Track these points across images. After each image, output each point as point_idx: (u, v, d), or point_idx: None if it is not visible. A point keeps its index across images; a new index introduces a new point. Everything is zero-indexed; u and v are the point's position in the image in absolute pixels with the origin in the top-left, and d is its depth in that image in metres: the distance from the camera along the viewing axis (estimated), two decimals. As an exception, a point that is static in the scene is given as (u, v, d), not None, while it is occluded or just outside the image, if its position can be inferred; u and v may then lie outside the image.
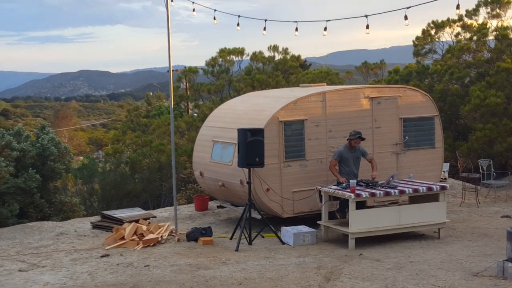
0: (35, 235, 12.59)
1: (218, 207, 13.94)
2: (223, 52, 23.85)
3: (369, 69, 30.74)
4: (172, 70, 12.04)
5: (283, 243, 11.06)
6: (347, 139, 11.75)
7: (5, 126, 58.58)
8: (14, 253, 10.88)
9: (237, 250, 10.54)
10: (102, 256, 10.30)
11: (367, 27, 11.83)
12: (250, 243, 11.05)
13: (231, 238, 11.49)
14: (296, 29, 13.04)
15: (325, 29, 12.52)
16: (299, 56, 25.83)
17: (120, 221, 12.45)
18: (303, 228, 11.22)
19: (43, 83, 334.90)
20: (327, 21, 12.28)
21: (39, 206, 15.49)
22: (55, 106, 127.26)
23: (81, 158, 39.32)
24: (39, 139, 15.98)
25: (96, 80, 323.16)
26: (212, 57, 23.95)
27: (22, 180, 14.73)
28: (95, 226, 13.01)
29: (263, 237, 11.55)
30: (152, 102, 58.30)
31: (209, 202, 14.91)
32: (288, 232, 11.11)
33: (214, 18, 13.22)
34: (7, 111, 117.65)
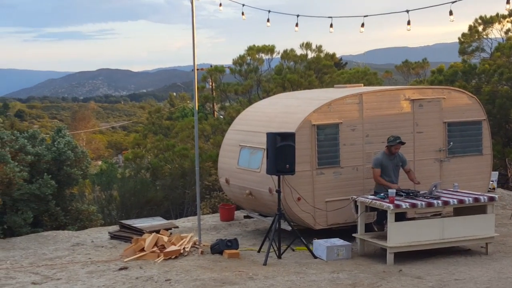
0: (50, 245, 12.74)
1: (245, 217, 13.94)
2: (252, 50, 23.88)
3: (410, 69, 30.51)
4: (197, 69, 12.09)
5: (315, 257, 11.01)
6: (386, 146, 11.65)
7: (19, 128, 59.56)
8: (28, 265, 11.01)
9: (265, 264, 10.51)
10: (121, 269, 10.36)
11: (408, 23, 11.73)
12: (279, 256, 11.02)
13: (259, 251, 11.47)
14: (331, 25, 12.99)
15: (363, 25, 12.46)
16: (333, 54, 25.75)
17: (139, 231, 12.52)
18: (337, 241, 11.14)
19: (60, 82, 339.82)
20: (364, 16, 12.23)
21: (54, 214, 15.66)
22: (73, 107, 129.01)
23: (99, 163, 39.76)
24: (55, 143, 16.17)
25: (116, 80, 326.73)
26: (239, 55, 24.01)
27: (37, 186, 14.91)
28: (113, 236, 13.11)
29: (293, 250, 11.51)
30: (175, 103, 58.75)
31: (235, 212, 14.92)
32: (320, 245, 11.05)
33: (243, 14, 13.25)
34: (22, 112, 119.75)
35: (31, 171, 15.32)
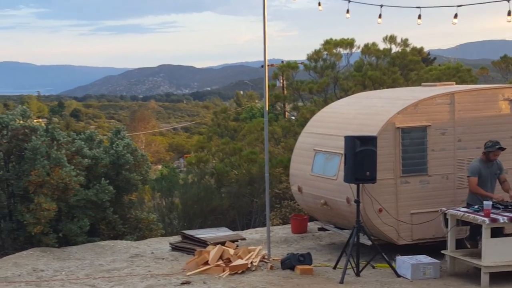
0: (107, 256, 13.06)
1: (319, 229, 13.91)
2: (329, 44, 23.81)
3: (510, 65, 29.72)
4: (268, 65, 12.17)
5: (398, 275, 10.90)
6: (483, 152, 11.41)
7: (75, 129, 61.25)
8: (83, 276, 11.32)
9: (341, 282, 10.48)
10: (183, 284, 10.52)
11: (509, 13, 11.48)
12: (357, 274, 10.96)
13: (334, 268, 11.44)
14: (419, 17, 12.84)
15: (456, 16, 12.25)
16: (421, 49, 25.39)
17: (203, 243, 12.67)
18: (424, 259, 11.00)
19: (118, 79, 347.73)
20: (458, 6, 12.02)
21: (112, 223, 16.04)
22: (132, 106, 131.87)
23: (159, 167, 40.41)
24: (113, 145, 16.56)
25: (178, 77, 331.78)
26: (315, 50, 23.95)
27: (94, 192, 15.32)
28: (174, 247, 13.33)
29: (373, 267, 11.43)
30: (243, 103, 59.17)
31: (309, 223, 14.91)
32: (404, 262, 10.93)
33: (319, 4, 13.25)
34: (78, 111, 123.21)
35: (88, 175, 15.75)
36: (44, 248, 13.85)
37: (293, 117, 25.66)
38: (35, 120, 15.91)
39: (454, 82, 16.01)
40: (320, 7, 13.24)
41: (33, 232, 14.24)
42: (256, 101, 54.30)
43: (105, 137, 18.95)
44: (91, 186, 15.55)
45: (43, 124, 15.89)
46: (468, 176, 11.45)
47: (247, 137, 23.91)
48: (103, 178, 15.62)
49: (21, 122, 15.15)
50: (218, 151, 24.03)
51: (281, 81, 27.89)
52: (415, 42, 24.93)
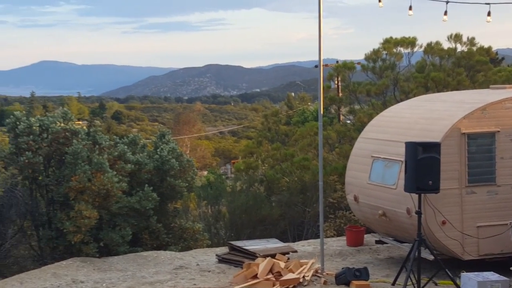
0: (150, 267, 13.19)
1: (376, 242, 13.83)
2: (388, 43, 23.62)
3: None
4: (322, 65, 12.16)
5: (463, 294, 10.76)
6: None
7: (116, 132, 61.98)
8: (126, 288, 11.46)
9: (401, 300, 10.39)
10: (230, 298, 10.55)
11: None
12: (418, 292, 10.87)
13: (393, 284, 11.36)
14: (489, 14, 12.70)
15: (527, 11, 12.06)
16: (489, 48, 25.01)
17: (252, 255, 12.71)
18: (491, 276, 10.82)
19: (163, 79, 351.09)
20: (530, 1, 11.82)
21: (156, 232, 16.20)
22: (176, 108, 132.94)
23: (205, 173, 40.62)
24: (158, 150, 16.73)
25: (226, 77, 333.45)
26: (373, 49, 23.79)
27: (137, 199, 15.50)
28: (221, 259, 13.38)
29: (436, 284, 11.32)
30: (294, 105, 59.12)
31: (365, 236, 14.83)
32: (470, 279, 10.78)
33: (380, 0, 13.17)
34: (120, 113, 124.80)
35: (131, 181, 15.95)
36: (84, 258, 14.06)
37: (348, 121, 25.54)
38: (76, 123, 16.17)
39: (526, 84, 15.75)
40: (380, 4, 13.17)
41: (73, 241, 14.49)
42: (309, 103, 54.22)
43: (148, 141, 19.13)
44: (134, 193, 15.74)
45: (84, 127, 16.14)
46: None
47: (300, 142, 23.88)
48: (146, 185, 15.79)
49: (62, 124, 15.43)
50: (268, 157, 24.04)
51: (336, 82, 27.80)
52: (482, 41, 24.55)
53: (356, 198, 13.33)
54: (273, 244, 13.59)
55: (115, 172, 15.09)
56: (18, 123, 15.29)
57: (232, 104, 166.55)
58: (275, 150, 23.95)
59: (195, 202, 22.23)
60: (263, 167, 23.84)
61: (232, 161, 59.17)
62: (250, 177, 22.92)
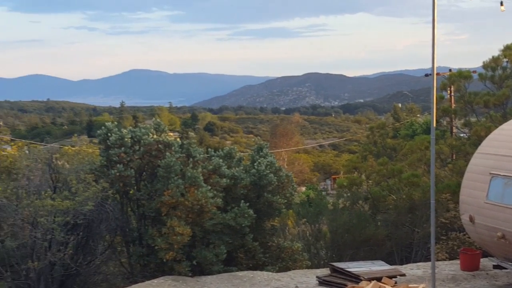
0: (246, 288, 13.28)
1: (494, 267, 13.54)
2: (509, 50, 23.09)
3: None
4: (435, 74, 11.99)
5: None
6: None
7: (209, 144, 62.70)
8: (220, 310, 11.57)
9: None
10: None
11: None
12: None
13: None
14: None
15: None
16: None
17: (356, 278, 12.62)
18: None
19: (259, 89, 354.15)
20: None
21: (252, 251, 16.30)
22: (273, 119, 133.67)
23: (303, 189, 40.63)
24: (255, 164, 16.84)
25: (326, 87, 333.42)
26: (492, 57, 23.25)
27: (232, 216, 15.64)
28: (322, 281, 13.35)
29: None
30: (401, 117, 58.54)
31: (481, 259, 14.52)
32: None
33: (502, 3, 12.88)
34: (213, 125, 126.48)
35: (226, 197, 16.12)
36: (176, 276, 14.28)
37: (463, 135, 25.04)
38: (168, 134, 16.45)
39: None
40: (502, 8, 12.87)
41: (164, 259, 14.74)
42: (418, 115, 53.58)
43: (243, 154, 19.30)
44: (229, 209, 15.89)
45: (178, 139, 16.40)
46: None
47: (408, 157, 23.59)
48: (242, 201, 15.92)
49: (155, 136, 15.74)
50: (373, 172, 23.86)
51: (449, 92, 27.34)
52: None
53: (471, 219, 13.07)
54: (379, 266, 13.47)
55: (209, 187, 15.28)
56: (109, 134, 15.70)
57: (333, 115, 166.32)
58: (381, 165, 23.72)
59: (294, 220, 22.26)
60: (368, 184, 23.69)
61: (333, 176, 58.90)
62: (353, 194, 22.80)
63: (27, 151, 17.18)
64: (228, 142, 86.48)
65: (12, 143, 17.53)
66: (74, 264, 14.95)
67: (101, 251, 16.05)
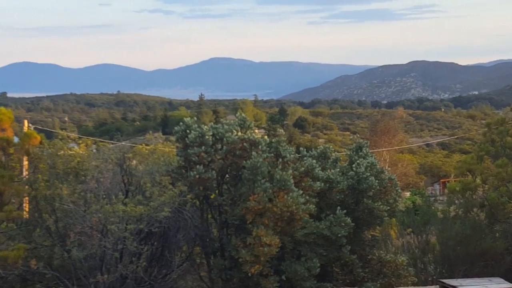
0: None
1: None
2: None
3: None
4: None
5: None
6: None
7: (300, 143, 62.57)
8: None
9: None
10: None
11: None
12: None
13: None
14: None
15: None
16: None
17: (471, 298, 12.44)
18: None
19: (356, 80, 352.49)
20: None
21: (349, 265, 16.21)
22: (373, 114, 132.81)
23: (407, 194, 40.16)
24: (353, 165, 16.73)
25: (434, 77, 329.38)
26: None
27: (326, 224, 15.57)
28: (431, 302, 13.19)
29: None
30: (523, 111, 57.22)
31: None
32: None
33: None
34: (304, 120, 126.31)
35: (320, 203, 16.06)
36: (263, 293, 14.28)
37: None
38: (255, 132, 16.42)
39: None
40: None
41: (249, 273, 14.79)
42: (543, 109, 52.39)
43: (338, 154, 19.21)
44: (323, 217, 15.83)
45: (265, 137, 16.36)
46: None
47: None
48: (339, 207, 15.84)
49: (239, 134, 15.74)
50: (490, 175, 23.45)
51: None
52: None
53: None
54: (497, 284, 13.28)
55: (301, 191, 15.25)
56: (188, 131, 15.80)
57: (443, 109, 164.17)
58: (500, 167, 23.27)
59: (397, 230, 22.05)
60: (484, 189, 23.29)
61: (442, 180, 58.05)
62: (467, 201, 22.44)
63: (95, 150, 17.46)
64: (321, 140, 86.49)
65: (80, 141, 17.81)
66: (148, 277, 15.12)
67: (178, 264, 16.17)
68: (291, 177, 15.30)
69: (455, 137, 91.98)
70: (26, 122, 23.04)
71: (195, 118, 17.01)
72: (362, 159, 16.99)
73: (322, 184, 16.04)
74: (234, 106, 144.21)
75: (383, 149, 63.04)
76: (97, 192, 15.22)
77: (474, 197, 22.72)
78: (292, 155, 16.00)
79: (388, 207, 16.95)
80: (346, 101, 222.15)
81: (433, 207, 23.65)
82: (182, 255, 16.47)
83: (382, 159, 58.96)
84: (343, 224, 15.63)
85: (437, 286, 14.04)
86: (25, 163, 17.85)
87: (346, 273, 16.31)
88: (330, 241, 15.75)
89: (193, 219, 15.80)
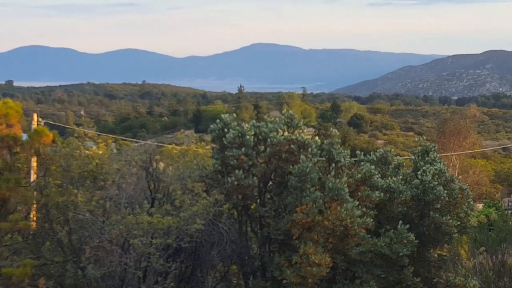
0: None
1: None
2: None
3: None
4: None
5: None
6: None
7: (356, 145, 62.16)
8: None
9: None
10: None
11: None
12: None
13: None
14: None
15: None
16: None
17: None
18: None
19: (422, 72, 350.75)
20: None
21: (412, 288, 16.10)
22: (441, 112, 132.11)
23: (480, 206, 39.79)
24: (418, 173, 16.58)
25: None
26: None
27: (386, 241, 15.46)
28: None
29: None
30: None
31: None
32: None
33: None
34: (361, 118, 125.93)
35: (378, 216, 15.94)
36: (311, 321, 14.22)
37: None
38: (305, 132, 16.31)
39: None
40: None
41: (296, 296, 14.71)
42: None
43: (400, 158, 19.08)
44: (383, 232, 15.73)
45: (317, 138, 16.25)
46: None
47: None
48: (400, 222, 15.72)
49: (286, 133, 15.67)
50: None
51: None
52: None
53: None
54: None
55: (357, 202, 15.15)
56: (226, 130, 15.74)
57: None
58: None
59: (468, 249, 21.89)
60: None
61: (520, 189, 57.51)
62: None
63: (116, 151, 17.44)
64: (380, 141, 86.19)
65: (99, 139, 17.76)
66: (176, 300, 15.13)
67: (212, 285, 16.18)
68: (346, 185, 15.21)
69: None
70: (35, 116, 23.03)
71: (234, 115, 16.89)
72: (428, 165, 16.84)
73: (382, 194, 15.92)
74: (279, 100, 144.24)
75: (453, 153, 62.70)
76: (118, 200, 15.24)
77: None
78: (347, 160, 15.92)
79: (458, 222, 16.78)
80: (409, 96, 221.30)
81: (510, 223, 23.46)
82: (216, 274, 16.48)
83: (451, 164, 58.62)
84: (405, 241, 15.52)
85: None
86: (34, 164, 17.87)
87: (409, 298, 16.20)
88: (390, 261, 15.65)
89: (230, 233, 15.76)
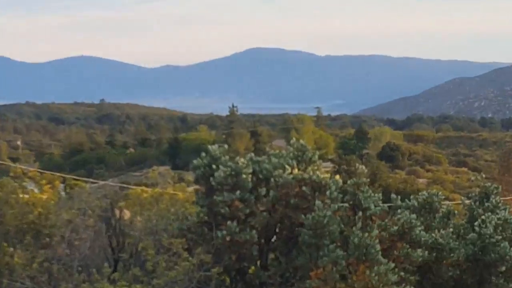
0: None
1: None
2: None
3: None
4: None
5: None
6: None
7: (390, 185, 61.87)
8: None
9: None
10: None
11: None
12: None
13: None
14: None
15: None
16: None
17: None
18: None
19: (478, 85, 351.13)
20: None
21: None
22: (504, 140, 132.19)
23: None
24: (475, 223, 16.63)
25: None
26: None
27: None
28: None
29: None
30: None
31: None
32: None
33: None
34: (395, 149, 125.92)
35: (422, 282, 15.98)
36: None
37: None
38: (321, 168, 16.34)
39: None
40: None
41: None
42: None
43: (449, 203, 19.17)
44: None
45: (337, 178, 16.28)
46: None
47: None
48: (458, 291, 15.78)
49: (295, 171, 15.69)
50: None
51: None
52: None
53: None
54: None
55: (392, 264, 15.19)
56: (214, 166, 15.75)
57: None
58: None
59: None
60: None
61: None
62: None
63: (66, 194, 17.45)
64: (422, 181, 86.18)
65: (42, 180, 17.70)
66: None
67: None
68: (377, 241, 15.23)
69: None
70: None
71: (225, 146, 16.88)
72: (489, 213, 16.88)
73: (426, 252, 15.96)
74: (285, 125, 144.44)
75: (517, 197, 62.76)
76: (69, 262, 15.23)
77: None
78: (378, 207, 15.94)
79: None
80: (462, 118, 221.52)
81: None
82: None
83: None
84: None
85: None
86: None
87: None
88: None
89: (220, 308, 15.79)
